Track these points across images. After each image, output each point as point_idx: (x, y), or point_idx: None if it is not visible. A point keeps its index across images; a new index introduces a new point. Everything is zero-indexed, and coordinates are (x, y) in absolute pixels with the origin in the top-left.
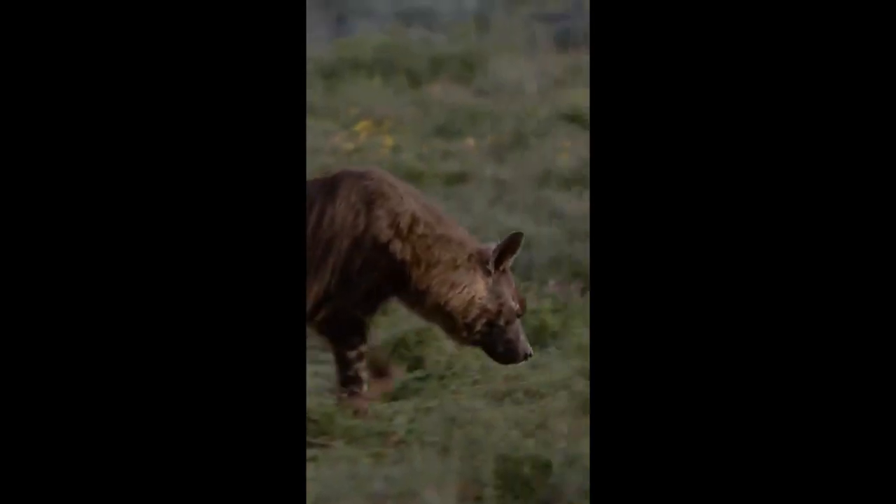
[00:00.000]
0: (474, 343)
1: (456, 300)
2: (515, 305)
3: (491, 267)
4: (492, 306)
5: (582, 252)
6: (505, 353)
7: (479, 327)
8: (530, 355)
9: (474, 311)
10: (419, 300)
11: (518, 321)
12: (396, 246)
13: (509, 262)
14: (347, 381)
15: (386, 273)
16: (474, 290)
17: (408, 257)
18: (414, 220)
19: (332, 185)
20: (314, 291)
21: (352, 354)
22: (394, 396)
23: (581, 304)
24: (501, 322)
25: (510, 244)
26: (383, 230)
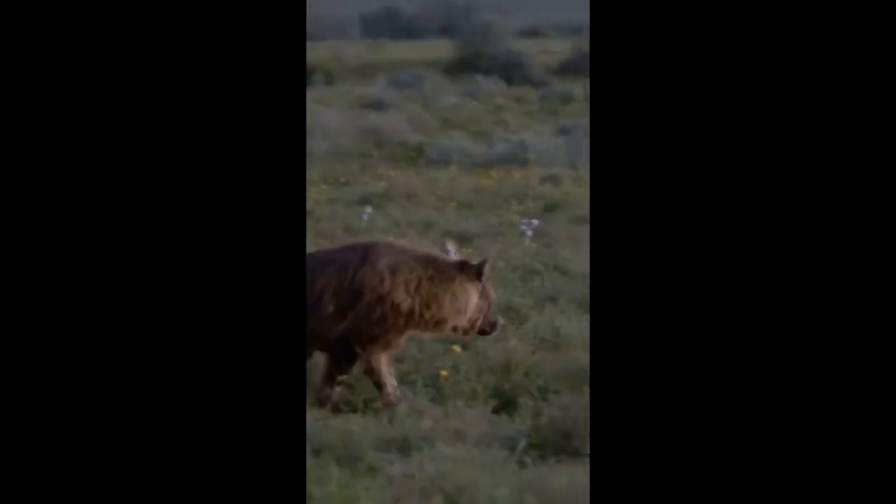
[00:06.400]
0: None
1: (464, 319)
2: (494, 296)
3: (477, 279)
4: (483, 305)
5: None
6: (490, 330)
7: (479, 324)
8: (503, 325)
9: (476, 316)
10: (436, 328)
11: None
12: (408, 304)
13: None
14: (323, 389)
15: (398, 324)
16: (472, 303)
17: (420, 307)
18: (420, 281)
19: (364, 251)
20: (338, 327)
21: (339, 377)
22: None
23: None
24: (489, 312)
25: (486, 262)
26: (400, 295)
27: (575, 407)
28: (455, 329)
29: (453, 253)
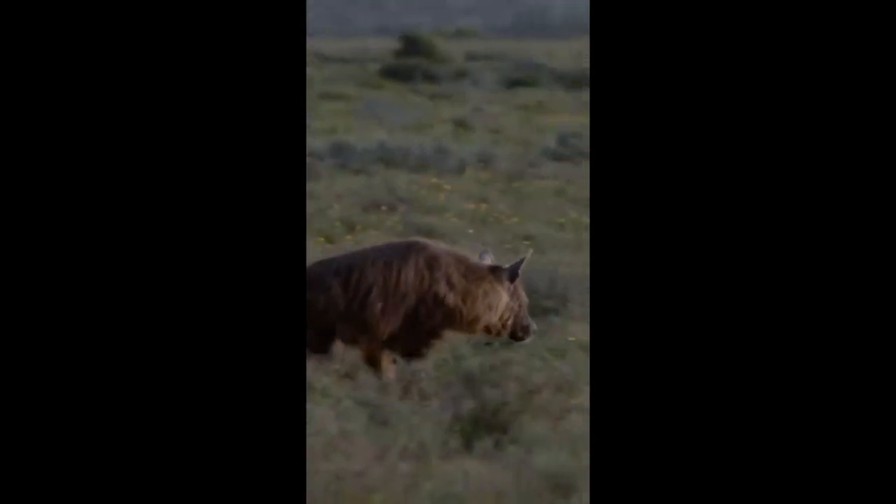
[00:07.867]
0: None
1: (495, 316)
2: (526, 299)
3: (508, 280)
4: (514, 306)
5: None
6: (523, 336)
7: (510, 325)
8: (535, 330)
9: (506, 316)
10: (470, 326)
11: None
12: (450, 298)
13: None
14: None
15: (442, 318)
16: (503, 302)
17: (458, 302)
18: (458, 275)
19: (405, 251)
20: (383, 329)
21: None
22: None
23: None
24: (521, 315)
25: (521, 263)
26: (441, 288)
27: None
28: (488, 329)
29: (488, 261)
